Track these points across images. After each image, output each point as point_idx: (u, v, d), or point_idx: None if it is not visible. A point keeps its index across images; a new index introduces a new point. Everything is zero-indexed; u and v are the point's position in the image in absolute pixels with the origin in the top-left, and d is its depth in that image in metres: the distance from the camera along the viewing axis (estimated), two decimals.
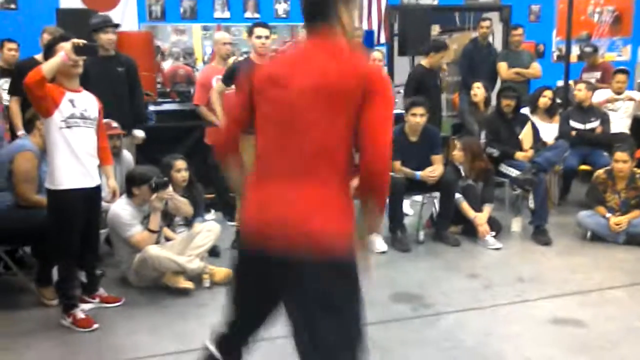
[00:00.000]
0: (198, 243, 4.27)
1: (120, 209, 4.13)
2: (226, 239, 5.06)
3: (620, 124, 6.46)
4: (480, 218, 5.19)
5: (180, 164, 4.63)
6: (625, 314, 3.77)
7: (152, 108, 6.30)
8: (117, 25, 5.17)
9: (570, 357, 3.24)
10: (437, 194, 5.34)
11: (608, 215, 5.16)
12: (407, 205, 5.84)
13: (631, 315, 3.75)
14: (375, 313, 3.74)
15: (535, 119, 6.08)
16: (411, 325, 3.66)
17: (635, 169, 5.23)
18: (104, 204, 4.08)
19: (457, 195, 5.24)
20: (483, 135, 5.68)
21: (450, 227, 5.34)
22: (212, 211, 5.79)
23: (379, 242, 5.02)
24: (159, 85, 7.37)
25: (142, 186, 4.16)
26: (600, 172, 5.34)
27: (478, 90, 6.38)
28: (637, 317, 3.73)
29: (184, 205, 4.48)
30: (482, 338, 3.47)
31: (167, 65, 8.23)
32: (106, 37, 4.98)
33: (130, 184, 4.22)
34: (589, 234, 5.24)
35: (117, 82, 5.02)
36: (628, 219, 5.09)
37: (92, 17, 5.31)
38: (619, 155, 5.12)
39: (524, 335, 3.49)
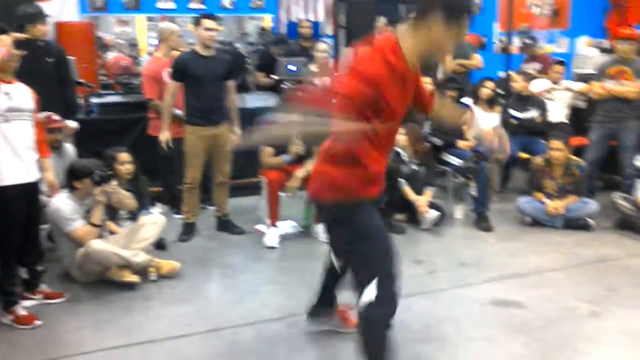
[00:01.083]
0: (143, 236, 4.23)
1: (61, 203, 4.04)
2: (172, 232, 5.03)
3: (558, 113, 6.68)
4: (421, 200, 5.29)
5: (124, 156, 4.57)
6: (561, 295, 3.93)
7: (94, 100, 6.17)
8: (46, 16, 5.01)
9: (510, 336, 3.36)
10: None
11: (546, 200, 5.35)
12: None
13: (567, 296, 3.91)
14: None
15: (476, 108, 6.24)
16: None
17: (571, 156, 5.43)
18: (44, 198, 4.00)
19: (401, 181, 5.33)
20: (427, 124, 5.79)
21: (395, 215, 5.43)
22: (158, 204, 5.72)
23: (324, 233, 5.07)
24: (102, 77, 7.21)
25: (84, 179, 4.08)
26: (538, 159, 5.52)
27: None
28: (573, 297, 3.89)
29: (127, 199, 4.43)
30: (427, 321, 3.56)
31: (111, 57, 8.06)
32: (43, 28, 4.81)
33: (72, 178, 4.12)
34: (528, 219, 5.42)
35: (46, 72, 4.82)
36: (565, 204, 5.29)
37: (22, 6, 5.09)
38: (554, 143, 5.31)
39: (466, 318, 3.60)
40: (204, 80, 4.88)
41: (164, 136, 5.01)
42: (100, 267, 4.04)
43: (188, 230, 5.13)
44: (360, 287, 2.44)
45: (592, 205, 5.33)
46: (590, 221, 5.30)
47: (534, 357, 3.13)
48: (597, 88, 5.89)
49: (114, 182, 4.22)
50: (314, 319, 3.37)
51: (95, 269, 4.05)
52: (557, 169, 5.38)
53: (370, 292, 2.39)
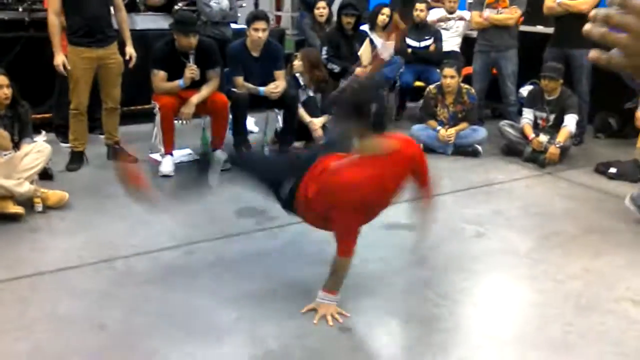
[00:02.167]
0: (27, 165, 3.97)
1: None
2: (60, 162, 4.77)
3: (451, 42, 6.82)
4: (314, 123, 5.29)
5: (1, 79, 4.21)
6: (450, 217, 4.11)
7: None
8: None
9: (400, 256, 3.51)
10: (280, 110, 5.36)
11: (438, 127, 5.52)
12: (251, 122, 5.84)
13: (454, 218, 4.11)
14: (220, 228, 3.77)
15: (373, 36, 6.25)
16: (255, 238, 3.73)
17: (463, 84, 5.59)
18: None
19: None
20: (324, 51, 5.74)
21: (294, 142, 5.41)
22: (43, 132, 5.39)
23: (224, 159, 4.98)
24: None
25: None
26: (431, 87, 5.65)
27: (324, 11, 6.48)
28: (460, 218, 4.09)
29: (3, 139, 4.07)
30: (323, 246, 3.58)
31: None
32: None
33: None
34: (421, 146, 5.57)
35: None
36: (456, 130, 5.48)
37: None
38: (447, 71, 5.43)
39: (360, 241, 3.66)
40: None
41: (58, 59, 4.59)
42: None
43: (76, 159, 4.88)
44: None
45: (480, 132, 5.56)
46: (479, 148, 5.54)
47: (425, 276, 3.28)
48: (477, 17, 6.06)
49: None
50: None
51: None
52: (449, 97, 5.53)
53: None
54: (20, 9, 5.68)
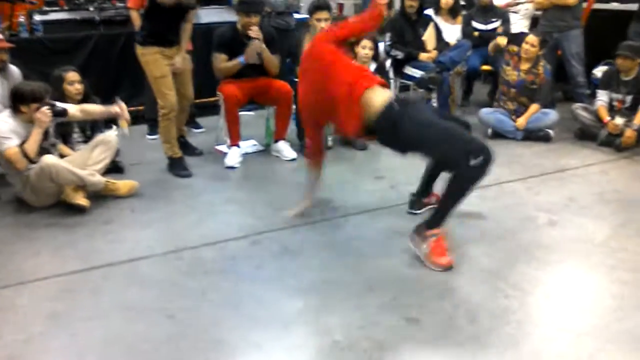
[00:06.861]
0: (97, 158, 4.10)
1: (0, 121, 3.88)
2: (128, 154, 4.90)
3: (519, 24, 6.59)
4: None
5: (73, 76, 4.36)
6: (521, 205, 3.98)
7: (38, 18, 5.82)
8: None
9: (471, 246, 3.40)
10: None
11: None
12: None
13: (527, 205, 3.97)
14: (285, 218, 3.77)
15: (438, 20, 6.11)
16: (320, 228, 3.72)
17: (543, 60, 5.41)
18: None
19: None
20: (388, 37, 5.65)
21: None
22: (114, 127, 5.53)
23: (287, 150, 5.00)
24: None
25: (32, 104, 3.87)
26: (513, 46, 5.46)
27: None
28: (533, 206, 3.95)
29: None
30: (389, 234, 3.58)
31: None
32: None
33: (18, 101, 3.91)
34: (490, 131, 5.43)
35: None
36: (526, 118, 5.29)
37: None
38: (530, 38, 5.29)
39: None
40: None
41: None
42: (54, 185, 3.90)
43: (180, 166, 4.74)
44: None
45: (552, 115, 5.36)
46: (550, 132, 5.33)
47: (495, 266, 3.18)
48: None
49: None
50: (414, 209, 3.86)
51: (49, 187, 3.90)
52: (524, 63, 5.34)
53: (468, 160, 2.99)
54: (91, 9, 5.87)
